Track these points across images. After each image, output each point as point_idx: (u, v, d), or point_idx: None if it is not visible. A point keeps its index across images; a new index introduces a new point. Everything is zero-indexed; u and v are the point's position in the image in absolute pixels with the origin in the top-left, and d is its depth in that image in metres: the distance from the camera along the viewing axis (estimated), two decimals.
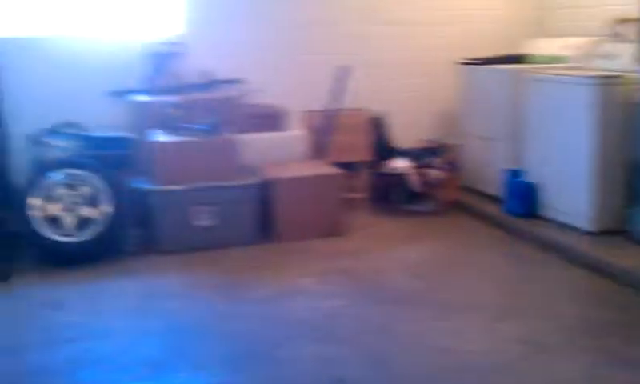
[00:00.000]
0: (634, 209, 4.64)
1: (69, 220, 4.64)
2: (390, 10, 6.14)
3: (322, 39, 5.94)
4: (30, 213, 4.60)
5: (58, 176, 4.66)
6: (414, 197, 5.75)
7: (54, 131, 5.12)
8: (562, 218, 4.96)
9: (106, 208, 4.68)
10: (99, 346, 3.54)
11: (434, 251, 4.92)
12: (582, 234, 4.77)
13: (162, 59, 5.41)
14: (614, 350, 3.40)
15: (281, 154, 5.41)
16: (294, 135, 5.56)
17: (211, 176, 4.91)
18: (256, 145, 5.28)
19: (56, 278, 4.44)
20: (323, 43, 5.93)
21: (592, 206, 4.74)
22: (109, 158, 4.88)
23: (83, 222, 4.66)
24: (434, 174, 5.70)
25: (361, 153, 5.86)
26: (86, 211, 4.67)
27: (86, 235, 4.65)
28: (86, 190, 4.68)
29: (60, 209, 4.64)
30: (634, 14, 4.85)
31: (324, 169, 5.30)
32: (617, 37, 5.18)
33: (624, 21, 5.14)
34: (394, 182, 5.75)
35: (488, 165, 5.73)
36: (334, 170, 5.26)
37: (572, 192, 4.86)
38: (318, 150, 5.60)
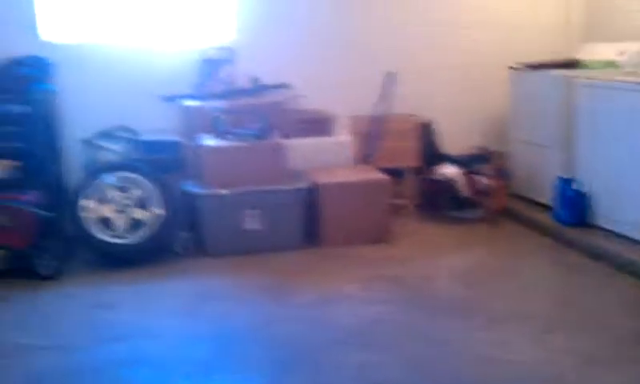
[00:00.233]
0: None
1: (120, 222, 4.73)
2: (440, 10, 6.10)
3: (371, 44, 5.93)
4: (83, 214, 4.70)
5: (110, 178, 4.76)
6: (462, 204, 5.69)
7: (107, 135, 5.25)
8: (614, 227, 4.84)
9: (157, 210, 4.77)
10: (148, 345, 3.61)
11: (482, 259, 4.86)
12: (634, 244, 4.64)
13: (213, 65, 5.50)
14: None
15: (328, 159, 5.42)
16: (341, 140, 5.56)
17: (259, 180, 4.95)
18: (303, 150, 5.31)
19: (107, 279, 4.54)
20: (371, 48, 5.93)
21: None
22: (160, 161, 4.98)
23: (134, 224, 4.74)
24: (482, 181, 5.63)
25: (409, 159, 5.83)
26: (137, 213, 4.75)
27: (136, 237, 4.73)
28: (137, 192, 4.77)
29: (112, 211, 4.74)
30: None
31: (371, 174, 5.30)
32: None
33: None
34: (443, 188, 5.70)
35: (539, 172, 5.64)
36: (382, 176, 5.25)
37: (626, 201, 4.74)
38: (366, 155, 5.60)
